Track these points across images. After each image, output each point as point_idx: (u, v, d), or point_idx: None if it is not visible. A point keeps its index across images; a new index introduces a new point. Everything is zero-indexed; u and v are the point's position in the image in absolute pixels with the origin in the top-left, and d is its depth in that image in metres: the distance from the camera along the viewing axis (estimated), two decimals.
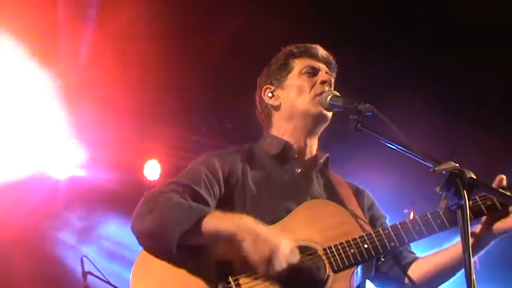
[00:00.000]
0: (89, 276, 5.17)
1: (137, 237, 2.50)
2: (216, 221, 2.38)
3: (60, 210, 6.22)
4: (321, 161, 2.83)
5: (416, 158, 2.27)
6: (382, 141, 2.41)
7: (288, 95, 2.81)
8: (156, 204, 2.46)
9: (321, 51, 2.88)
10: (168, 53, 5.51)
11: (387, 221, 2.87)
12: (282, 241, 2.34)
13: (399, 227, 2.54)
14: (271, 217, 2.55)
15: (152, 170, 6.49)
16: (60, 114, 5.73)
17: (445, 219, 2.51)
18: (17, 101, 5.59)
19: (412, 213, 7.54)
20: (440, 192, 2.10)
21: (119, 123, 5.90)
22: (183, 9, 5.37)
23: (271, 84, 2.87)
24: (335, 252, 2.47)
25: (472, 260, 2.01)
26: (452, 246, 2.64)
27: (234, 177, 2.65)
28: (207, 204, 2.54)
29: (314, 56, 2.86)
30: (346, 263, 2.46)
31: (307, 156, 2.82)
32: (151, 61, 5.49)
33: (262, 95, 2.88)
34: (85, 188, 6.22)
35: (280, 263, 2.32)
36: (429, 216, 2.54)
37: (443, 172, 2.10)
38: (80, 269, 5.23)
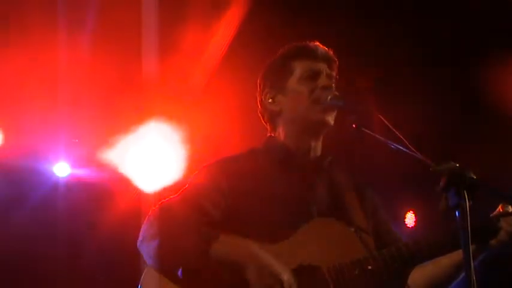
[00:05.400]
0: (90, 275, 5.17)
1: (143, 255, 2.52)
2: (222, 249, 2.37)
3: (60, 209, 6.22)
4: (325, 162, 2.81)
5: (415, 158, 2.28)
6: (382, 141, 2.41)
7: (288, 101, 2.78)
8: (161, 228, 2.46)
9: (321, 50, 2.82)
10: None
11: (391, 225, 2.86)
12: (285, 272, 2.33)
13: (402, 248, 2.54)
14: (276, 233, 2.54)
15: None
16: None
17: (448, 242, 2.53)
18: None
19: (410, 213, 7.57)
20: (440, 193, 2.10)
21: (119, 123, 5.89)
22: None
23: (271, 87, 2.84)
24: (339, 273, 2.47)
25: (472, 261, 2.02)
26: (447, 256, 2.65)
27: (238, 191, 2.63)
28: (213, 218, 2.54)
29: (314, 57, 2.81)
30: (350, 285, 2.46)
31: (312, 158, 2.79)
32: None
33: (263, 98, 2.86)
34: (85, 187, 6.21)
35: None
36: (432, 238, 2.55)
37: (443, 172, 2.10)
38: (80, 268, 5.24)
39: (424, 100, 6.08)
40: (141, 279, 2.49)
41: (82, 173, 6.23)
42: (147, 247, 2.47)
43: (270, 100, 2.82)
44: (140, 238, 2.51)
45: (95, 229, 6.35)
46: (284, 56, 2.86)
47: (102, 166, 6.12)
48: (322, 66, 2.79)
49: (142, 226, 2.53)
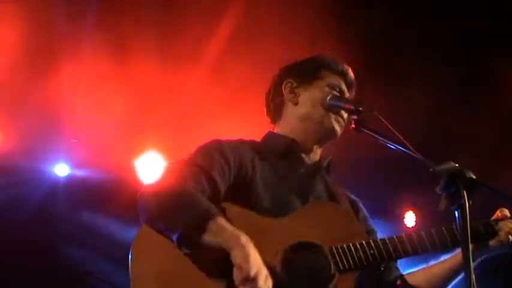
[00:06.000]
0: (89, 275, 5.18)
1: (140, 212, 2.45)
2: (217, 230, 2.32)
3: (60, 209, 6.23)
4: (324, 164, 2.82)
5: (416, 158, 2.28)
6: (382, 142, 2.42)
7: (308, 97, 2.78)
8: (169, 186, 2.42)
9: (350, 75, 2.87)
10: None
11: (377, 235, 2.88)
12: (263, 275, 2.28)
13: (404, 238, 2.56)
14: (276, 212, 2.54)
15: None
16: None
17: (448, 237, 2.56)
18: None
19: (410, 213, 7.58)
20: (440, 193, 2.10)
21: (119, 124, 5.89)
22: None
23: (296, 78, 2.84)
24: (341, 253, 2.47)
25: (472, 261, 2.02)
26: (443, 261, 2.71)
27: (244, 169, 2.61)
28: (218, 191, 2.51)
29: (344, 77, 2.85)
30: (352, 266, 2.46)
31: (311, 160, 2.80)
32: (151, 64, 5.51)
33: (283, 87, 2.85)
34: (85, 187, 6.22)
35: None
36: (433, 232, 2.58)
37: (443, 172, 2.10)
38: (80, 269, 5.25)
39: (425, 100, 6.08)
40: (132, 244, 2.41)
41: (82, 173, 6.24)
42: (147, 203, 2.41)
43: (289, 89, 2.83)
44: (145, 190, 2.45)
45: (95, 229, 6.36)
46: (319, 61, 2.87)
47: (102, 166, 6.14)
48: (346, 89, 2.84)
49: (151, 182, 2.50)
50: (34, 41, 5.23)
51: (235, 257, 2.28)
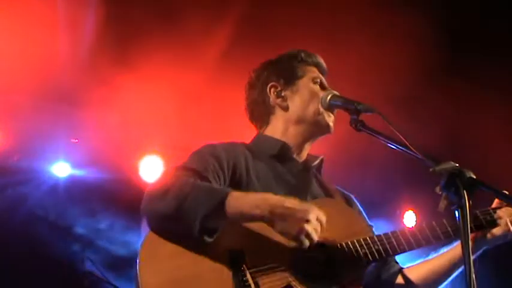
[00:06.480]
0: (89, 275, 5.17)
1: (150, 220, 2.40)
2: (240, 202, 2.31)
3: (59, 209, 6.22)
4: (316, 162, 2.82)
5: (416, 158, 2.28)
6: (382, 141, 2.42)
7: (299, 99, 2.78)
8: (173, 185, 2.37)
9: (323, 63, 2.89)
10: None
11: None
12: (309, 209, 2.29)
13: (407, 232, 2.57)
14: None
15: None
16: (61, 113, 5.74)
17: (449, 229, 2.57)
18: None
19: (410, 212, 7.58)
20: (440, 193, 2.10)
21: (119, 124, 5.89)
22: None
23: (278, 81, 2.82)
24: (346, 251, 2.48)
25: (472, 260, 2.02)
26: (443, 253, 2.73)
27: (238, 171, 2.60)
28: None
29: (319, 68, 2.87)
30: (358, 262, 2.47)
31: (302, 159, 2.81)
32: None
33: (268, 91, 2.83)
34: (85, 188, 6.22)
35: (315, 231, 2.29)
36: (435, 224, 2.59)
37: (443, 172, 2.10)
38: (80, 268, 5.24)
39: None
40: (139, 254, 2.36)
41: (82, 173, 6.24)
42: (154, 208, 2.36)
43: (275, 93, 2.81)
44: (146, 200, 2.40)
45: (95, 229, 6.36)
46: (294, 57, 2.87)
47: (103, 166, 6.14)
48: (323, 79, 2.86)
49: (148, 190, 2.44)
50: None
51: (276, 226, 2.28)
